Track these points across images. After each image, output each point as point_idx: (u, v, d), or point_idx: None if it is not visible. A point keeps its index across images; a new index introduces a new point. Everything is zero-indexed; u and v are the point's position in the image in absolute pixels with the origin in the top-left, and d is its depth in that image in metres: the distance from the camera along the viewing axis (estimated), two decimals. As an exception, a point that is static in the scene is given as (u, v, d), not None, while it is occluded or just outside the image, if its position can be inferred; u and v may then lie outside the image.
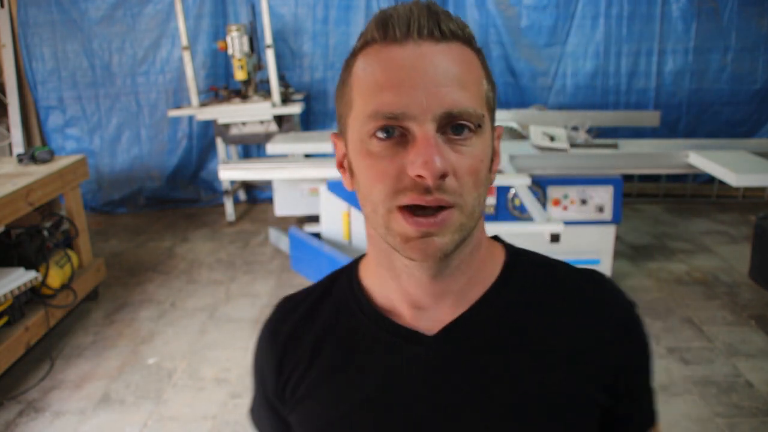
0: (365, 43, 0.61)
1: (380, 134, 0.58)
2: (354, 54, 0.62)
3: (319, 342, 0.71)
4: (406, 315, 0.68)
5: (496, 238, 0.75)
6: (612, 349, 0.67)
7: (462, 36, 0.60)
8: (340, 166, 0.67)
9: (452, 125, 0.58)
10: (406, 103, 0.56)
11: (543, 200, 2.99)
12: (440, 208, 0.57)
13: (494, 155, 0.65)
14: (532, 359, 0.66)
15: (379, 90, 0.58)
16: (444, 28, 0.59)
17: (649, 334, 0.71)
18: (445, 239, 0.59)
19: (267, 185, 4.80)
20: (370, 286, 0.71)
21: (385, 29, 0.59)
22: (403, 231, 0.58)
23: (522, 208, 2.96)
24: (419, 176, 0.56)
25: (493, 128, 0.65)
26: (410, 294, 0.67)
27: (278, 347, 0.73)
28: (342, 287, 0.74)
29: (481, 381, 0.65)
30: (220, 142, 4.37)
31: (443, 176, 0.56)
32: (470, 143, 0.59)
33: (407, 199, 0.57)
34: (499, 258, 0.71)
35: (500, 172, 2.88)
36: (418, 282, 0.65)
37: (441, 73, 0.57)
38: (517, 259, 0.72)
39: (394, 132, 0.58)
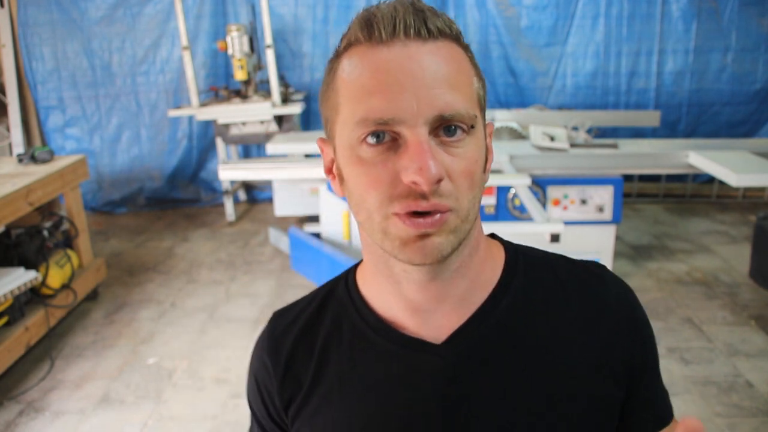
0: (349, 44, 0.58)
1: (370, 140, 0.56)
2: (338, 55, 0.60)
3: (323, 357, 0.69)
4: (409, 323, 0.66)
5: (493, 235, 0.73)
6: (619, 343, 0.66)
7: (450, 33, 0.58)
8: (329, 171, 0.65)
9: (445, 127, 0.56)
10: (396, 108, 0.54)
11: (543, 200, 2.99)
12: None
13: (488, 153, 0.63)
14: (542, 361, 0.64)
15: (366, 95, 0.55)
16: (431, 26, 0.56)
17: (651, 325, 0.71)
18: (441, 238, 0.56)
19: (267, 185, 4.80)
20: (369, 295, 0.69)
21: (369, 30, 0.56)
22: (401, 234, 0.56)
23: (522, 208, 2.96)
24: (414, 183, 0.54)
25: (485, 126, 0.62)
26: (411, 300, 0.64)
27: (280, 367, 0.71)
28: (340, 298, 0.71)
29: (493, 388, 0.63)
30: (220, 142, 4.37)
31: (438, 181, 0.54)
32: (463, 144, 0.57)
33: (403, 207, 0.55)
34: (498, 258, 0.69)
35: (500, 172, 2.88)
36: (418, 285, 0.63)
37: (430, 74, 0.55)
38: (517, 258, 0.70)
39: (385, 136, 0.55)
